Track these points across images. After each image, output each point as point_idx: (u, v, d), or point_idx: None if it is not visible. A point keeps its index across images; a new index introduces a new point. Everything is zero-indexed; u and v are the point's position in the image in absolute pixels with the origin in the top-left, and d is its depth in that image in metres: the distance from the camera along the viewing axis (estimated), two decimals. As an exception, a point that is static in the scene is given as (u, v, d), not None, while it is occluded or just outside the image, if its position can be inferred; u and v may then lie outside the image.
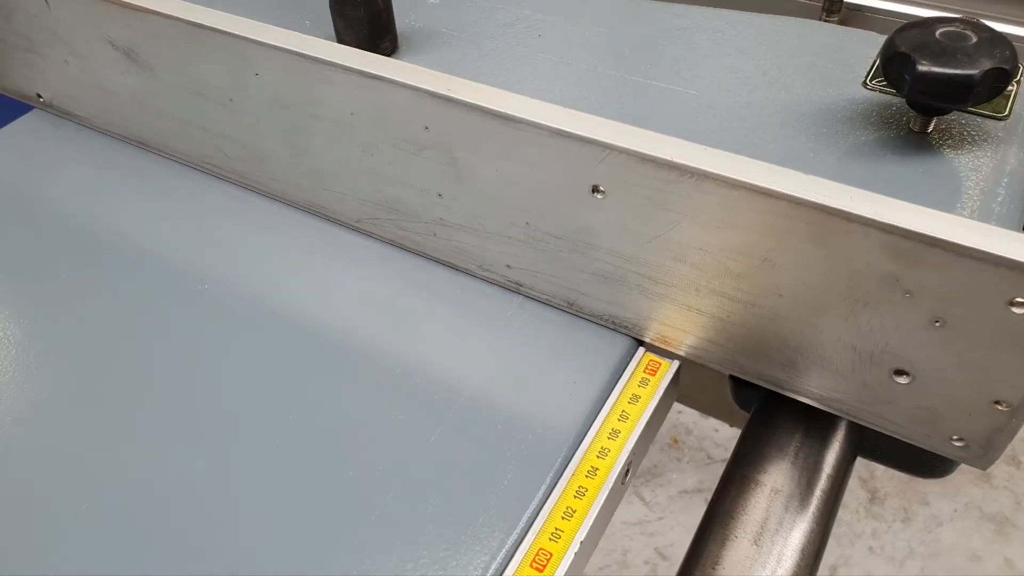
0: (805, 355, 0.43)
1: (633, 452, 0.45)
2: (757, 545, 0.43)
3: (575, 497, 0.43)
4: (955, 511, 1.42)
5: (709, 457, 1.52)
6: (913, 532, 1.40)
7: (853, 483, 1.41)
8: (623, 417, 0.46)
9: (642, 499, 1.46)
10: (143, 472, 0.45)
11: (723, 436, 1.54)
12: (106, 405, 0.49)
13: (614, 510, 0.45)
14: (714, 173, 0.39)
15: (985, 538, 1.38)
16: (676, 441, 1.54)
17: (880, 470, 1.45)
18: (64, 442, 0.47)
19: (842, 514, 1.37)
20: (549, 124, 0.42)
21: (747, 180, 0.38)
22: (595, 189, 0.43)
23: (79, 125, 0.67)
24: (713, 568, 0.43)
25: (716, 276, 0.43)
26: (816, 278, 0.39)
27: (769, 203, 0.38)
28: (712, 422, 1.55)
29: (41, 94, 0.67)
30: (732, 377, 0.49)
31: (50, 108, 0.68)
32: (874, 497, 1.45)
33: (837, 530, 1.36)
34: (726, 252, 0.41)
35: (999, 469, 1.45)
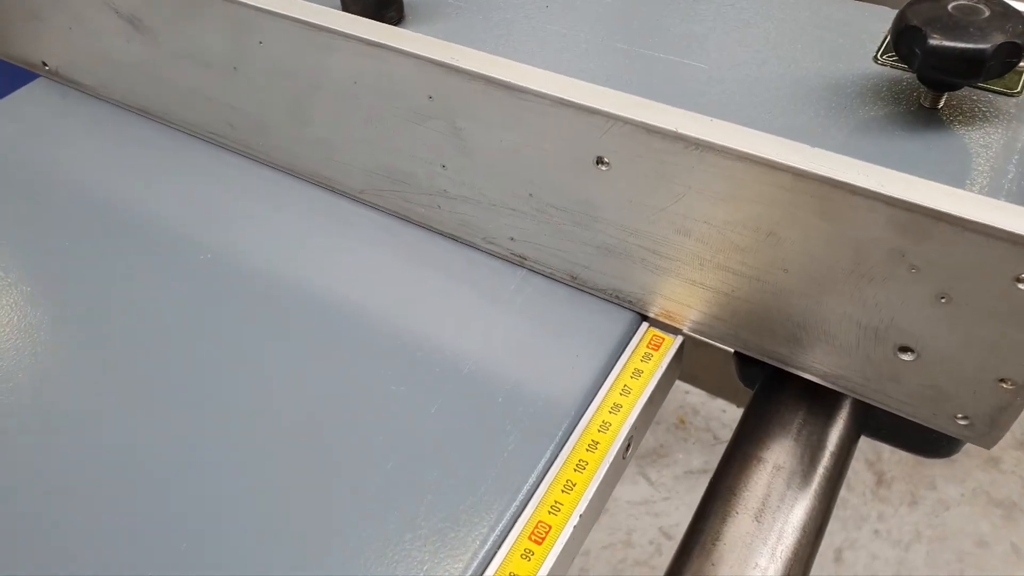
0: (809, 331, 0.43)
1: (634, 427, 0.45)
2: (758, 521, 0.43)
3: (575, 470, 0.43)
4: (962, 495, 1.41)
5: (715, 438, 1.52)
6: (920, 516, 1.40)
7: (859, 466, 1.41)
8: (625, 391, 0.46)
9: (647, 479, 1.46)
10: (139, 441, 0.45)
11: (730, 417, 1.53)
12: (103, 374, 0.49)
13: (614, 485, 0.45)
14: (719, 145, 0.38)
15: (992, 523, 1.38)
16: (682, 421, 1.54)
17: (887, 453, 1.44)
18: (60, 416, 0.47)
19: (848, 497, 1.37)
20: (553, 93, 0.42)
21: (753, 152, 0.38)
22: (599, 160, 0.43)
23: (85, 94, 0.67)
24: (714, 544, 0.43)
25: (721, 250, 0.42)
26: (821, 252, 0.39)
27: (775, 176, 0.38)
28: (719, 403, 1.55)
29: (46, 62, 0.67)
30: (737, 353, 0.49)
31: (55, 76, 0.68)
32: (881, 480, 1.44)
33: (843, 513, 1.36)
34: (731, 225, 0.41)
35: (1007, 454, 1.45)
